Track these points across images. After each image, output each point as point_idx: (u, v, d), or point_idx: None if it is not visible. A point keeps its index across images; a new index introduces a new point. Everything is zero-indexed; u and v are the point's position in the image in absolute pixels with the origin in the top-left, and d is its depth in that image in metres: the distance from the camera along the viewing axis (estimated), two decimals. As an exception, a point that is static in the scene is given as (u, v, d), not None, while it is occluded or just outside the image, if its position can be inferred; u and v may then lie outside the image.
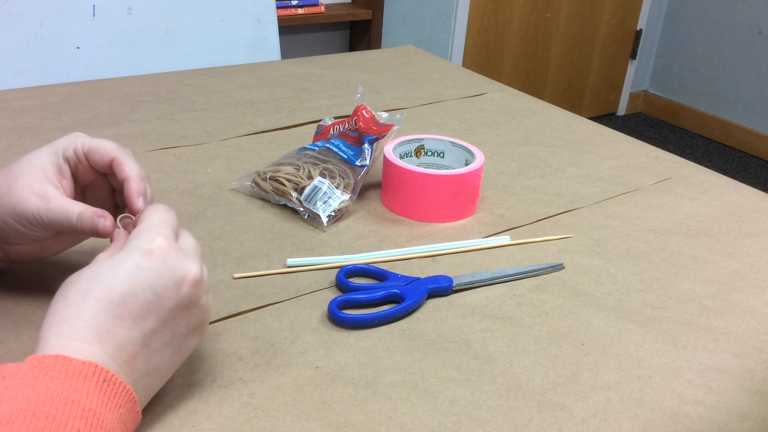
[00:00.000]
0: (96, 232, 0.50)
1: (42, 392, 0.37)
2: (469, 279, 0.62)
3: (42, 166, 0.52)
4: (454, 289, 0.61)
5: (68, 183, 0.53)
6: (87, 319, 0.41)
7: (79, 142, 0.54)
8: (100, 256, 0.46)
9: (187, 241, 0.48)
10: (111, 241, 0.51)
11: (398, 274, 0.62)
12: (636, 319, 0.60)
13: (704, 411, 0.51)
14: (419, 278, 0.61)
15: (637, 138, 0.99)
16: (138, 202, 0.51)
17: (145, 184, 0.52)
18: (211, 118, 0.93)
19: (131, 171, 0.52)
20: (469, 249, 0.68)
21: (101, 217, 0.50)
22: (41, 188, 0.51)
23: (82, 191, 0.56)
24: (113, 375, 0.40)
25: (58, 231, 0.53)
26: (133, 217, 0.51)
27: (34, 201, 0.50)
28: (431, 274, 0.64)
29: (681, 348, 0.57)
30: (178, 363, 0.46)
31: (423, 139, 0.78)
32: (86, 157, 0.54)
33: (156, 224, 0.46)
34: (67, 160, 0.53)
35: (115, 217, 0.52)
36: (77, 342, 0.41)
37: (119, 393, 0.40)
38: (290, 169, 0.73)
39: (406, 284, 0.60)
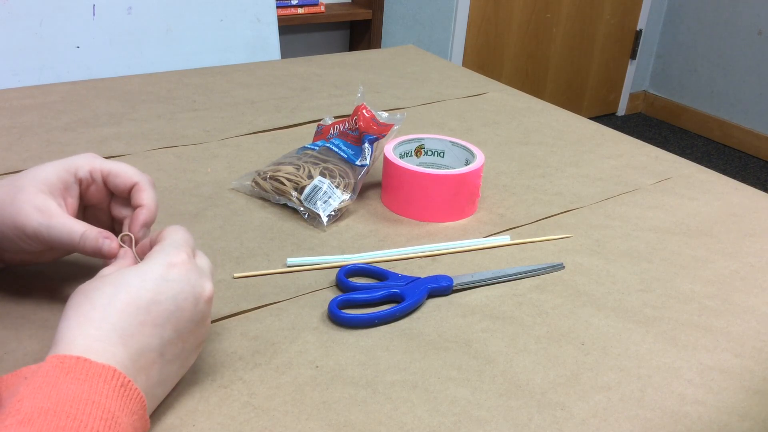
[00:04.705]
0: (100, 254, 0.51)
1: (63, 392, 0.38)
2: (469, 279, 0.62)
3: (48, 179, 0.52)
4: (454, 288, 0.61)
5: (74, 202, 0.54)
6: (113, 322, 0.42)
7: (97, 163, 0.54)
8: (105, 270, 0.48)
9: (203, 260, 0.50)
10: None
11: (398, 274, 0.62)
12: (636, 319, 0.60)
13: (704, 411, 0.51)
14: (419, 278, 0.61)
15: (637, 138, 0.99)
16: (140, 232, 0.53)
17: (155, 218, 0.54)
18: (211, 117, 0.93)
19: (148, 200, 0.54)
20: (469, 249, 0.68)
21: (107, 239, 0.51)
22: (44, 203, 0.51)
23: (83, 211, 0.56)
24: (130, 381, 0.41)
25: (56, 247, 0.52)
26: (133, 236, 0.52)
27: (35, 216, 0.50)
28: (431, 273, 0.64)
29: (681, 348, 0.57)
30: (179, 377, 0.48)
31: (423, 139, 0.78)
32: (104, 180, 0.54)
33: (179, 242, 0.48)
34: (79, 180, 0.53)
35: None
36: (102, 343, 0.41)
37: (134, 399, 0.41)
38: (290, 168, 0.73)
39: (406, 284, 0.60)
